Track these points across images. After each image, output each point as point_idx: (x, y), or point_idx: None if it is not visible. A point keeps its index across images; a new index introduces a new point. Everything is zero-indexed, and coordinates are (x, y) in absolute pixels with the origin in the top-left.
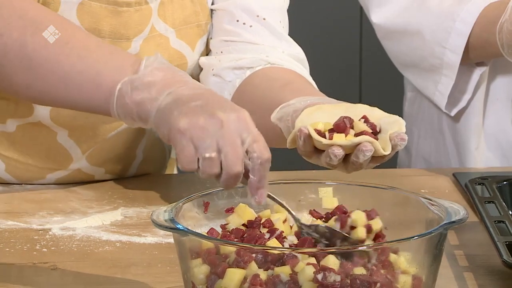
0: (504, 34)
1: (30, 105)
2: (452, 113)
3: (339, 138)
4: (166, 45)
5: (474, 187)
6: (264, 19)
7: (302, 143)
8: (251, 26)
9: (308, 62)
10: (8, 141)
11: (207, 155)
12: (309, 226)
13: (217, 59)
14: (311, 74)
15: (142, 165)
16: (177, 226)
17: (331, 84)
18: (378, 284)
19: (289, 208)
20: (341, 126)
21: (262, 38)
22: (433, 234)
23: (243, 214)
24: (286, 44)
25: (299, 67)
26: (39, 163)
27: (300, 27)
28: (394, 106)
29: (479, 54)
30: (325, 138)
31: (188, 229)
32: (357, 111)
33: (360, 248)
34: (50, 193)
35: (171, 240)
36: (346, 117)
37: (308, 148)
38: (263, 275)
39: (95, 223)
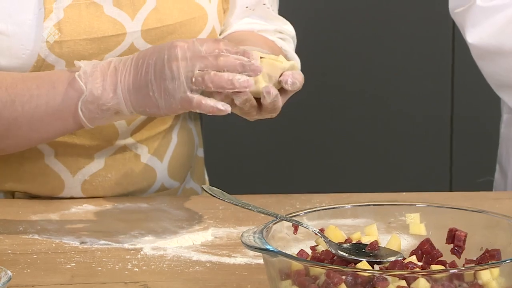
0: None
1: None
2: None
3: None
4: None
5: None
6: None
7: None
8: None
9: (400, 81)
10: None
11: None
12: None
13: None
14: (405, 95)
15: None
16: (267, 247)
17: (423, 104)
18: None
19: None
20: None
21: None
22: None
23: (333, 235)
24: (280, 22)
25: (276, 37)
26: (87, 141)
27: (391, 48)
28: (490, 128)
29: None
30: None
31: (278, 250)
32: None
33: (451, 272)
34: (142, 213)
35: (261, 261)
36: None
37: None
38: None
39: (185, 243)
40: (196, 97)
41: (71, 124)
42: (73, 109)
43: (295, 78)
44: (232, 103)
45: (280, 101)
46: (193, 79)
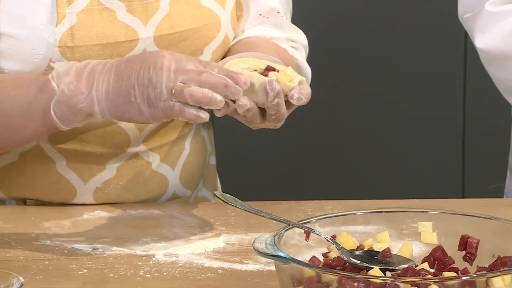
0: None
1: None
2: None
3: None
4: (197, 4)
5: None
6: (278, 12)
7: None
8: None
9: (412, 86)
10: (71, 133)
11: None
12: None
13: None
14: (417, 100)
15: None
16: (279, 254)
17: (435, 110)
18: None
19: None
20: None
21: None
22: None
23: (345, 242)
24: (293, 31)
25: (288, 45)
26: (98, 148)
27: (403, 53)
28: (502, 134)
29: None
30: None
31: (290, 257)
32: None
33: (463, 279)
34: (154, 220)
35: (273, 267)
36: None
37: None
38: None
39: (197, 249)
40: (178, 104)
41: (44, 125)
42: (45, 110)
43: (301, 93)
44: (235, 111)
45: (285, 109)
46: (173, 91)
